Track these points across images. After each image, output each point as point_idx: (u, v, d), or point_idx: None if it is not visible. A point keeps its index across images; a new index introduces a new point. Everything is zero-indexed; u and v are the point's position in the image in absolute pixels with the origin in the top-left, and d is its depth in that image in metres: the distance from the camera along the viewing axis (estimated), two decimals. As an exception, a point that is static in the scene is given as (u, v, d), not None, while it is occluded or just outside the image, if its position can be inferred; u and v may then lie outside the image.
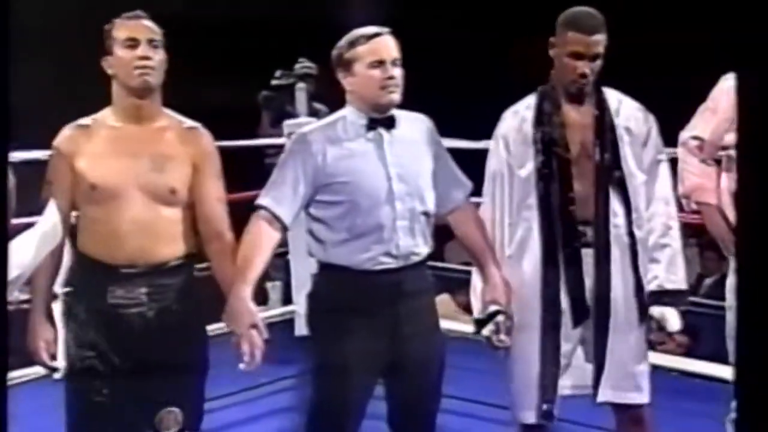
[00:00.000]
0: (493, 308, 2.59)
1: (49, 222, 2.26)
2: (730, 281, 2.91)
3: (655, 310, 2.62)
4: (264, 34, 7.18)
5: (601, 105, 2.65)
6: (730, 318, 2.88)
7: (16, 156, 3.48)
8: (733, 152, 2.80)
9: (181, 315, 2.45)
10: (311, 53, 5.12)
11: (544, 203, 2.62)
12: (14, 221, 3.02)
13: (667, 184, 2.69)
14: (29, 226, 2.51)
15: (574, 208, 2.61)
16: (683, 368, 4.00)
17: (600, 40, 2.57)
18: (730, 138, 2.81)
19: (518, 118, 2.68)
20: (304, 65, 5.39)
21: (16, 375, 3.34)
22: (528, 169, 2.64)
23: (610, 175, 2.62)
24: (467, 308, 5.43)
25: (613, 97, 2.68)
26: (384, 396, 2.57)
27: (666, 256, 2.64)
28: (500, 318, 2.58)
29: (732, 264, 2.91)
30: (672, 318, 2.62)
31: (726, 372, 3.04)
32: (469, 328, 4.59)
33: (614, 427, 2.79)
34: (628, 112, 2.67)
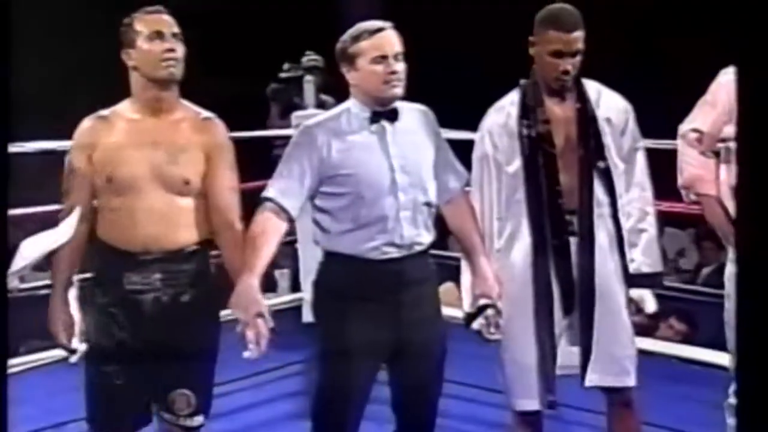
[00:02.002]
0: (482, 302, 2.64)
1: (63, 231, 2.35)
2: (729, 270, 2.95)
3: (634, 293, 2.72)
4: (272, 27, 7.22)
5: (582, 98, 2.70)
6: (729, 306, 2.93)
7: (26, 147, 3.57)
8: (731, 144, 2.85)
9: (194, 300, 2.52)
10: (318, 46, 5.17)
11: (532, 198, 2.67)
12: (23, 210, 3.11)
13: (644, 171, 2.76)
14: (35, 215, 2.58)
15: (562, 201, 2.67)
16: (683, 355, 4.07)
17: (579, 36, 2.63)
18: (729, 130, 2.85)
19: (503, 114, 2.73)
20: (311, 58, 5.45)
21: (32, 359, 3.43)
22: (515, 165, 2.69)
23: (594, 166, 2.68)
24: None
25: (592, 88, 2.74)
26: (387, 381, 2.62)
27: (643, 240, 2.73)
28: (490, 312, 2.63)
29: (730, 253, 2.96)
30: (649, 300, 2.73)
31: (724, 359, 3.09)
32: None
33: (603, 409, 2.86)
34: (607, 103, 2.73)
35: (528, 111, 2.70)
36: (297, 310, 4.60)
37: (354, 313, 2.49)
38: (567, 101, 2.72)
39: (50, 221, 2.54)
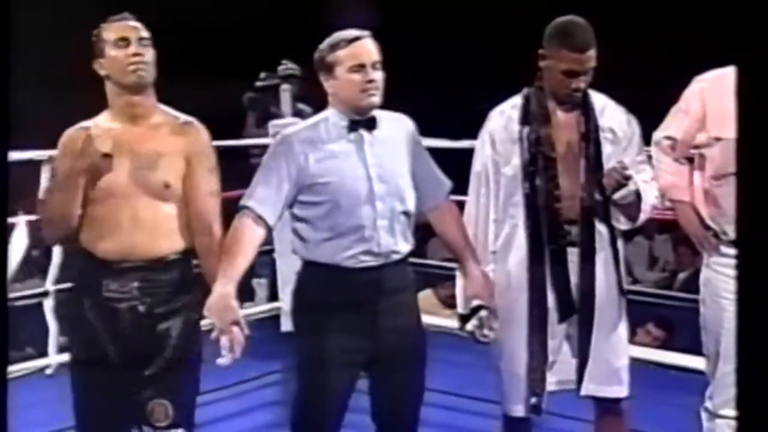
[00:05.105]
0: (475, 303, 2.66)
1: (18, 243, 2.36)
2: (704, 275, 2.98)
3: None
4: (248, 37, 7.23)
5: (587, 106, 2.71)
6: (704, 311, 2.96)
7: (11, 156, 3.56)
8: (705, 151, 2.88)
9: (175, 310, 2.52)
10: (294, 55, 5.18)
11: (530, 201, 2.67)
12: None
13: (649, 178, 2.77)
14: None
15: (560, 205, 2.67)
16: (660, 360, 4.11)
17: (593, 54, 2.62)
18: (702, 138, 2.88)
19: (504, 117, 2.73)
20: (287, 67, 5.46)
21: (10, 370, 3.40)
22: (514, 166, 2.69)
23: (595, 175, 2.68)
24: (448, 303, 5.51)
25: (598, 99, 2.74)
26: (367, 390, 2.62)
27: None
28: (483, 313, 2.65)
29: (705, 258, 2.98)
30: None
31: (701, 363, 3.12)
32: (450, 322, 4.68)
33: (592, 418, 2.87)
34: (612, 115, 2.74)
35: (530, 114, 2.70)
36: (275, 319, 4.60)
37: (332, 322, 2.49)
38: (571, 109, 2.72)
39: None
